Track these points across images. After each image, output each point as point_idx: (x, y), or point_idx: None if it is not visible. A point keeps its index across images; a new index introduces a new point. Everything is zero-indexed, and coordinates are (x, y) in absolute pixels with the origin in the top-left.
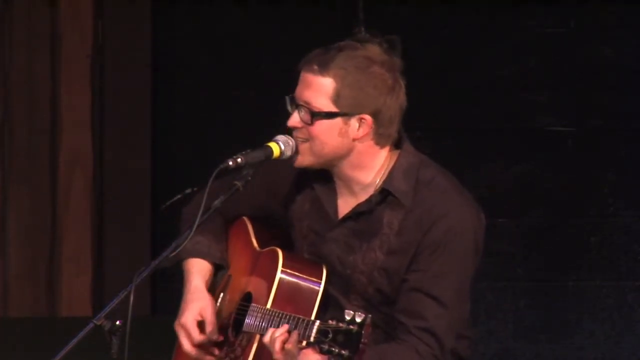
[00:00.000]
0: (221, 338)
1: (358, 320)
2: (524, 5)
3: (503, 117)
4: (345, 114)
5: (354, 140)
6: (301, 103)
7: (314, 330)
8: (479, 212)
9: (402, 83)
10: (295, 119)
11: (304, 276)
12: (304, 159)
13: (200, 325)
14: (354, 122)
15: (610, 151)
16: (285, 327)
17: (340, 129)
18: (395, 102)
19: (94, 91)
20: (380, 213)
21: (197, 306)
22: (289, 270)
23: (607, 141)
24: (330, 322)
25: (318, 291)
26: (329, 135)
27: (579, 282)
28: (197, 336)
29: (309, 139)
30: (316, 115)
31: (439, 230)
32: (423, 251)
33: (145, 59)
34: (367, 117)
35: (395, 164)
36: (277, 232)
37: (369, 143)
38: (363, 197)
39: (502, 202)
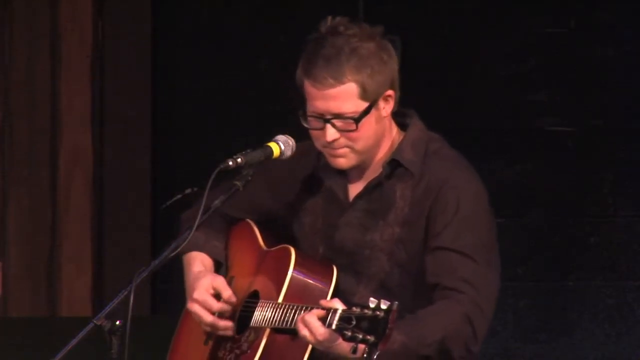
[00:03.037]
0: (237, 302)
1: (384, 307)
2: (524, 5)
3: (503, 117)
4: (374, 101)
5: (384, 117)
6: (330, 117)
7: (337, 318)
8: (482, 182)
9: (386, 40)
10: (333, 133)
11: (315, 275)
12: (349, 161)
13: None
14: (381, 103)
15: (610, 151)
16: (322, 312)
17: (376, 117)
18: (395, 61)
19: (94, 91)
20: (391, 187)
21: (207, 281)
22: (300, 269)
23: (607, 141)
24: (354, 309)
25: (327, 292)
26: (371, 128)
27: (579, 282)
28: (214, 304)
29: (353, 142)
30: (358, 119)
31: (447, 191)
32: (437, 214)
33: (145, 59)
34: (389, 91)
35: (404, 138)
36: (282, 234)
37: (389, 116)
38: (373, 175)
39: (502, 202)
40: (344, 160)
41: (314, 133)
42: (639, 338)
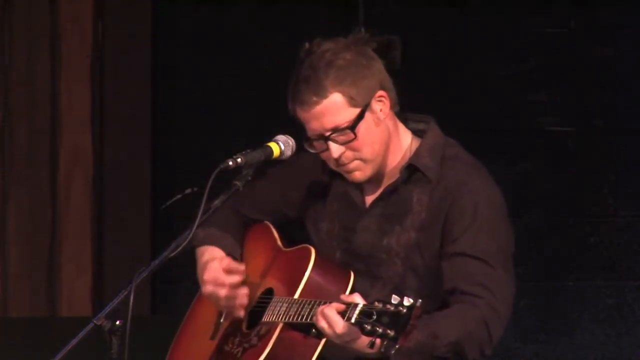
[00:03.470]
0: (248, 293)
1: (407, 303)
2: (524, 5)
3: (503, 117)
4: (366, 105)
5: (384, 119)
6: (329, 133)
7: (357, 312)
8: (499, 188)
9: (370, 45)
10: (337, 149)
11: (332, 278)
12: (364, 173)
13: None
14: (375, 105)
15: (610, 151)
16: (341, 306)
17: (373, 120)
18: (381, 64)
19: (94, 91)
20: (409, 193)
21: (216, 263)
22: (318, 270)
23: (607, 141)
24: (376, 304)
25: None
26: (372, 132)
27: (579, 282)
28: (226, 279)
29: (359, 151)
30: (354, 127)
31: (464, 197)
32: (454, 220)
33: (145, 59)
34: (381, 92)
35: (421, 143)
36: (300, 237)
37: (392, 117)
38: (389, 181)
39: None
40: (359, 173)
41: (323, 155)
42: (639, 338)
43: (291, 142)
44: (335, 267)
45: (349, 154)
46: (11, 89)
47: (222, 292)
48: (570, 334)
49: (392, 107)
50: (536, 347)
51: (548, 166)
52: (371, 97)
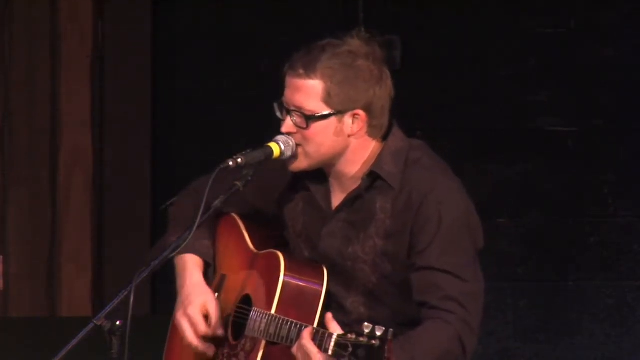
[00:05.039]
0: (223, 333)
1: (378, 333)
2: (524, 5)
3: (503, 117)
4: (338, 112)
5: (349, 136)
6: (292, 108)
7: (332, 343)
8: (464, 189)
9: (388, 71)
10: (289, 125)
11: (306, 279)
12: (301, 163)
13: (205, 319)
14: (347, 118)
15: (610, 151)
16: (309, 336)
17: (335, 128)
18: (385, 91)
19: (94, 91)
20: (372, 199)
21: (202, 300)
22: (291, 274)
23: (607, 141)
24: (349, 335)
25: (321, 292)
26: (325, 136)
27: (579, 282)
28: (203, 328)
29: (304, 142)
30: (311, 119)
31: (429, 206)
32: (419, 231)
33: (145, 59)
34: (360, 112)
35: (383, 148)
36: (269, 231)
37: (364, 137)
38: (353, 187)
39: (502, 202)
40: (297, 162)
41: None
42: (639, 338)
43: (291, 142)
44: (307, 265)
45: (298, 137)
46: (11, 89)
47: (194, 340)
48: (570, 334)
49: (368, 130)
50: (536, 347)
51: (548, 166)
52: (348, 108)
